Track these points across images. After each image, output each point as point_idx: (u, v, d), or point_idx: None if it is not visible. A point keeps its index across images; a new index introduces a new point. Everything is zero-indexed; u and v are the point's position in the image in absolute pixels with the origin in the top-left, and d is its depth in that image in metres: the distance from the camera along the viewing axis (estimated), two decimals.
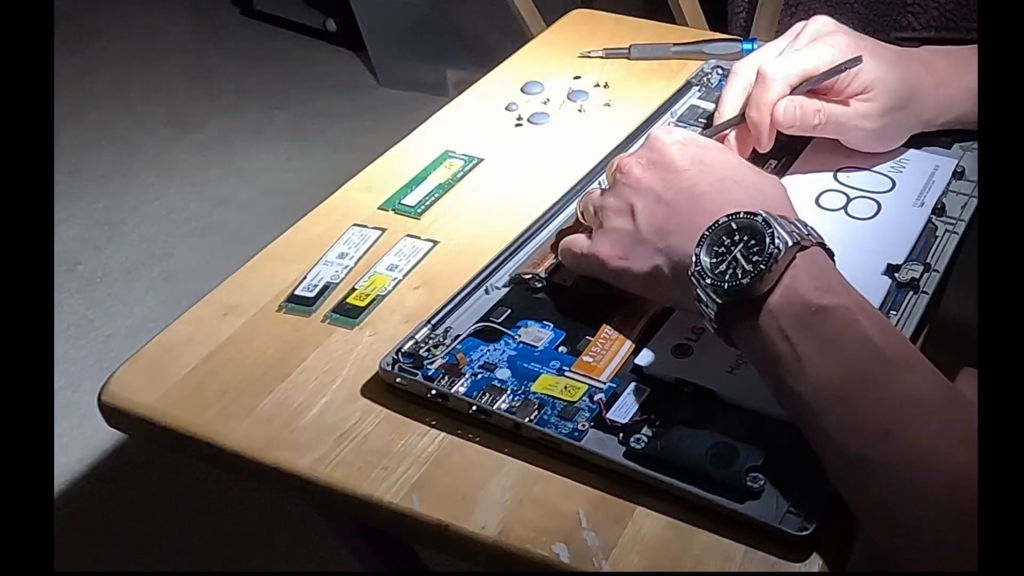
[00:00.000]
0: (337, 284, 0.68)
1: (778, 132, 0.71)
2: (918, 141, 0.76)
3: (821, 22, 0.72)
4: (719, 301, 0.53)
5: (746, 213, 0.54)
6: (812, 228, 0.54)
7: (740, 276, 0.52)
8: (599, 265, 0.61)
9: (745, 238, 0.53)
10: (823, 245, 0.54)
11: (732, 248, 0.53)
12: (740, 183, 0.58)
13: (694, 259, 0.54)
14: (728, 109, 0.72)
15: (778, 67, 0.70)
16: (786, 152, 0.75)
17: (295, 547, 1.29)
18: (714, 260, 0.54)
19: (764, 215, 0.53)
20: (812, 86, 0.70)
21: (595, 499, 0.53)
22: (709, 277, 0.53)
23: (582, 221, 0.65)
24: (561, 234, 0.67)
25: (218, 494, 1.36)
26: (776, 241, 0.52)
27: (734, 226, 0.54)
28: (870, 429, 0.48)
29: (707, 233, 0.54)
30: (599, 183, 0.73)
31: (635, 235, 0.59)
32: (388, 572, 0.84)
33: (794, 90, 0.71)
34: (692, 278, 0.54)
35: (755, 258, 0.52)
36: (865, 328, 0.50)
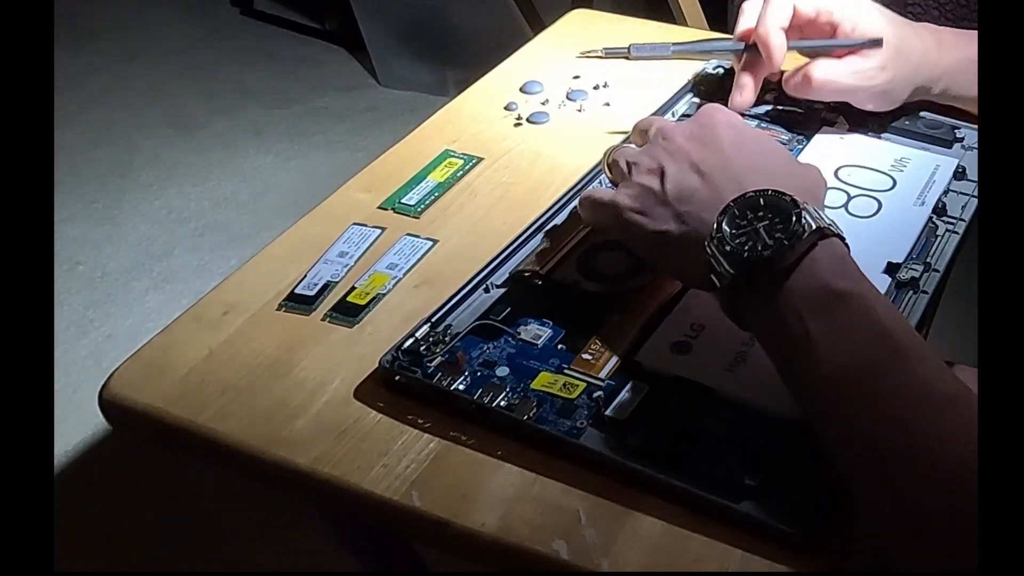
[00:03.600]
0: (337, 283, 0.68)
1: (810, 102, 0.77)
2: (920, 139, 0.77)
3: None
4: (733, 271, 0.53)
5: (774, 191, 0.54)
6: (835, 221, 0.55)
7: (760, 248, 0.52)
8: (614, 214, 0.60)
9: (770, 215, 0.53)
10: (842, 238, 0.54)
11: (755, 223, 0.53)
12: (773, 174, 0.58)
13: (715, 227, 0.54)
14: (743, 26, 0.77)
15: None
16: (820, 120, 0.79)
17: (295, 547, 1.29)
18: (734, 231, 0.53)
19: (791, 196, 0.53)
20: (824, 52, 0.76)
21: (595, 496, 0.54)
22: (728, 245, 0.53)
23: (608, 175, 0.65)
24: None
25: (218, 493, 1.36)
26: (802, 221, 0.52)
27: (761, 201, 0.54)
28: (879, 418, 0.48)
29: (732, 204, 0.54)
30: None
31: (659, 195, 0.59)
32: (388, 572, 0.84)
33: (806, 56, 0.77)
34: (709, 246, 0.54)
35: (778, 234, 0.52)
36: (880, 316, 0.50)
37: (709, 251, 0.54)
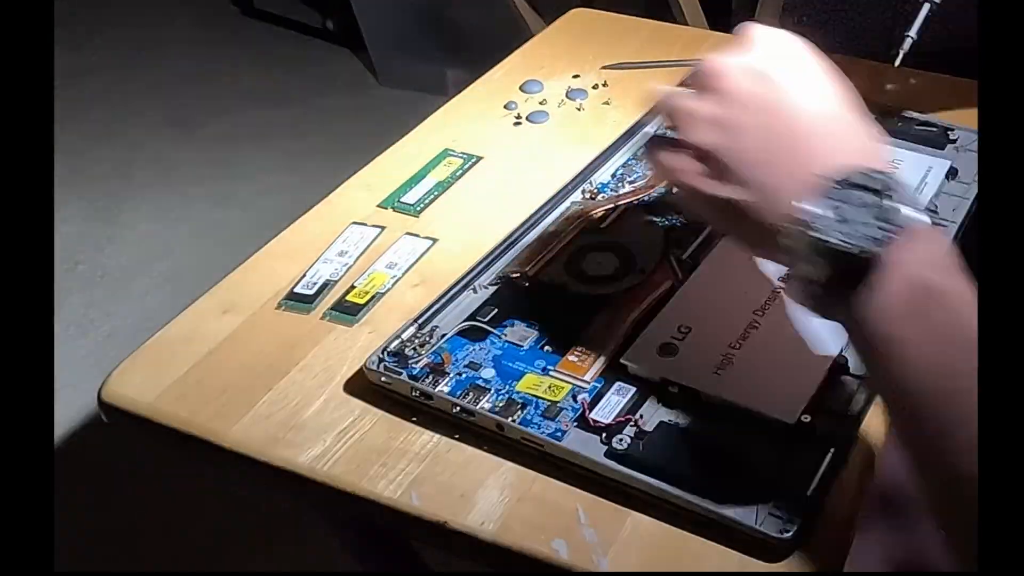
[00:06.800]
0: (336, 282, 0.68)
1: None
2: (913, 140, 0.76)
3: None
4: (826, 267, 0.45)
5: (873, 170, 0.46)
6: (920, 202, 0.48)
7: (865, 240, 0.44)
8: (676, 179, 0.52)
9: (863, 198, 0.45)
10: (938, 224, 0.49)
11: (846, 207, 0.45)
12: (851, 130, 0.50)
13: (808, 210, 0.46)
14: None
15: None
16: None
17: (295, 547, 1.29)
18: (824, 221, 0.45)
19: (884, 174, 0.46)
20: None
21: (594, 496, 0.54)
22: (833, 235, 0.45)
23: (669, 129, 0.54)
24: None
25: (217, 493, 1.36)
26: (907, 208, 0.45)
27: (862, 183, 0.45)
28: (961, 437, 0.43)
29: (830, 185, 0.46)
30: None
31: (728, 156, 0.49)
32: (388, 572, 0.84)
33: None
34: (803, 233, 0.46)
35: (882, 223, 0.44)
36: (971, 322, 0.44)
37: (802, 237, 0.46)
